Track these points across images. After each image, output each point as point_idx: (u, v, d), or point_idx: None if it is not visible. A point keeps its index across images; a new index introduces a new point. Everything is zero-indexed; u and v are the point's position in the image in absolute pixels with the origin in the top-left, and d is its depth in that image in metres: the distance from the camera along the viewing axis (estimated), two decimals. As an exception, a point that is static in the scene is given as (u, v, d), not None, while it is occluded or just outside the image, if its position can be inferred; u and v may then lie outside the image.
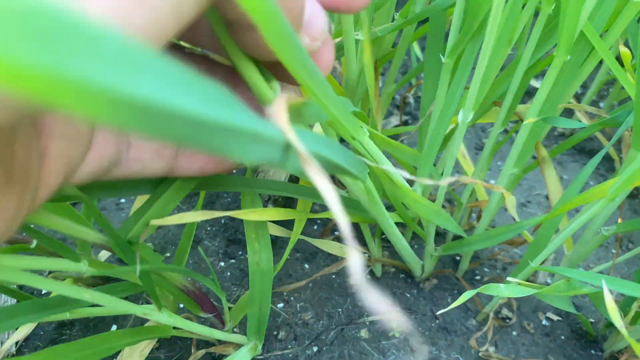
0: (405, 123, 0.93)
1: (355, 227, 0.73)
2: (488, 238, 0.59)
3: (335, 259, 0.72)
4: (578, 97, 0.98)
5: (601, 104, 0.99)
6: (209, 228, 0.75)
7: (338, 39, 0.55)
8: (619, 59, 0.76)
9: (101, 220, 0.36)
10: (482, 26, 0.45)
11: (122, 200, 0.78)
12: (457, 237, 0.66)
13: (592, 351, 0.65)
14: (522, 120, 0.59)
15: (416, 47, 0.82)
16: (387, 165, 0.36)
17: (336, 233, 0.74)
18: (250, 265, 0.52)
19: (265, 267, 0.52)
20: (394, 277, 0.71)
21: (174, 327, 0.55)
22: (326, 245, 0.66)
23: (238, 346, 0.59)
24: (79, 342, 0.41)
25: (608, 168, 0.89)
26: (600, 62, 0.88)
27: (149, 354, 0.59)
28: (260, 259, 0.52)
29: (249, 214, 0.48)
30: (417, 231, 0.59)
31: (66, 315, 0.44)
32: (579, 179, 0.56)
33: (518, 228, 0.56)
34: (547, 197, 0.84)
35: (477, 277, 0.72)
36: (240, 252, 0.72)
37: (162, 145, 0.32)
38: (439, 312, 0.58)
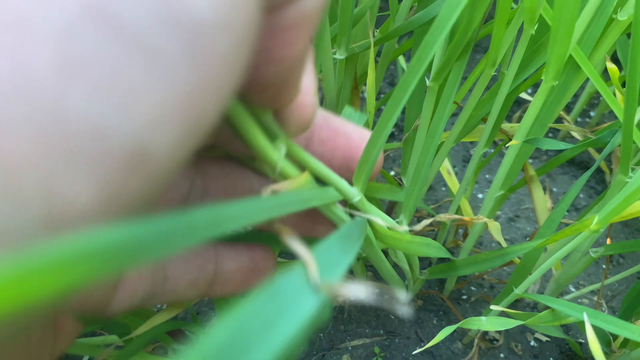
0: (391, 135, 0.91)
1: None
2: (475, 263, 0.57)
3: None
4: (569, 106, 0.96)
5: (592, 113, 0.97)
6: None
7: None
8: (606, 71, 0.74)
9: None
10: (469, 47, 0.43)
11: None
12: (442, 260, 0.64)
13: (582, 374, 0.64)
14: (509, 139, 0.57)
15: (402, 60, 0.80)
16: (377, 218, 0.34)
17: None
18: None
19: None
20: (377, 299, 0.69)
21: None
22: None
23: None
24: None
25: (599, 180, 0.87)
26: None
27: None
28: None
29: None
30: (399, 264, 0.57)
31: None
32: (567, 198, 0.53)
33: (505, 255, 0.54)
34: (534, 211, 0.82)
35: (464, 297, 0.70)
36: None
37: (197, 276, 0.30)
38: (425, 346, 0.56)
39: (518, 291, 0.52)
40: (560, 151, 0.61)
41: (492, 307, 0.48)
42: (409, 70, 0.28)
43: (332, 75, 0.52)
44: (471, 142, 0.93)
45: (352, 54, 0.51)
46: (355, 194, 0.32)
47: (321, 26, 0.46)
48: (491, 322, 0.45)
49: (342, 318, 0.66)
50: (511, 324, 0.46)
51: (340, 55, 0.50)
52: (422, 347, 0.64)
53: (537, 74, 0.53)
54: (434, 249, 0.50)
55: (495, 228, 0.52)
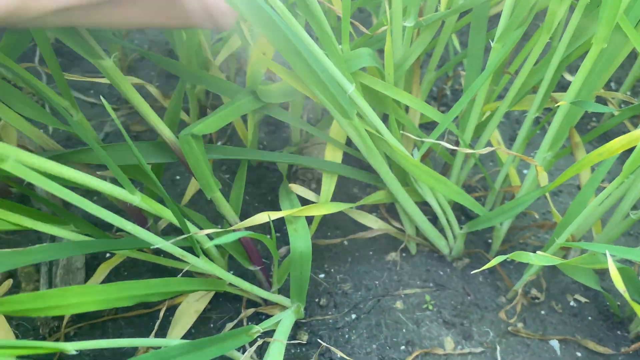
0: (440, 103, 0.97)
1: (392, 207, 0.78)
2: (503, 212, 0.63)
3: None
4: (619, 82, 1.00)
5: (635, 101, 1.01)
6: (256, 205, 0.80)
7: (384, 28, 0.59)
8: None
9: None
10: (532, 10, 0.49)
11: (177, 177, 0.83)
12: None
13: (618, 332, 0.68)
14: (557, 105, 0.63)
15: (455, 40, 0.86)
16: (375, 119, 0.42)
17: (374, 214, 0.78)
18: (289, 232, 0.58)
19: (302, 233, 0.57)
20: (428, 255, 0.75)
21: (227, 285, 0.60)
22: (363, 217, 0.70)
23: (283, 308, 0.64)
24: (145, 282, 0.46)
25: None
26: (635, 57, 0.91)
27: (201, 313, 0.64)
28: (297, 227, 0.58)
29: (319, 209, 0.57)
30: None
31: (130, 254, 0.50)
32: (606, 163, 0.59)
33: (529, 200, 0.60)
34: (578, 187, 0.87)
35: (508, 259, 0.76)
36: (284, 227, 0.77)
37: None
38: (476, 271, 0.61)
39: (559, 240, 0.58)
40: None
41: (538, 252, 0.53)
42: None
43: (400, 43, 0.58)
44: (517, 123, 0.98)
45: (419, 26, 0.58)
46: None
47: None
48: (538, 258, 0.51)
49: (395, 270, 0.72)
50: (556, 261, 0.51)
51: (408, 24, 0.56)
52: (469, 300, 0.69)
53: (587, 44, 0.58)
54: (440, 183, 0.58)
55: (543, 178, 0.57)
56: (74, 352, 0.32)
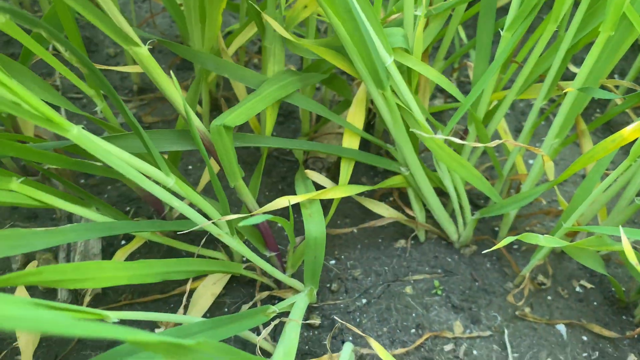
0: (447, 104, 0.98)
1: (405, 195, 0.79)
2: (518, 200, 0.65)
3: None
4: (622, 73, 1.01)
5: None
6: (267, 193, 0.81)
7: (396, 15, 0.60)
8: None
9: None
10: (540, 2, 0.51)
11: (190, 167, 0.85)
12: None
13: (624, 317, 0.70)
14: (564, 94, 0.64)
15: (462, 32, 0.87)
16: (407, 93, 0.45)
17: (386, 201, 0.79)
18: (304, 217, 0.60)
19: (317, 218, 0.59)
20: (436, 243, 0.77)
21: (241, 275, 0.62)
22: (374, 205, 0.72)
23: (295, 292, 0.65)
24: (170, 260, 0.48)
25: None
26: (639, 50, 0.92)
27: (216, 298, 0.66)
28: (312, 212, 0.60)
29: (336, 192, 0.59)
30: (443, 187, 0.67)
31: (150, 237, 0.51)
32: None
33: (541, 189, 0.61)
34: (583, 177, 0.88)
35: (515, 246, 0.77)
36: (295, 215, 0.79)
37: None
38: (490, 248, 0.63)
39: (567, 224, 0.59)
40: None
41: (546, 236, 0.55)
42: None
43: (412, 31, 0.60)
44: (522, 114, 0.99)
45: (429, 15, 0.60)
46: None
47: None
48: (547, 240, 0.52)
49: (404, 257, 0.74)
50: (563, 243, 0.53)
51: (418, 12, 0.58)
52: (477, 285, 0.71)
53: (593, 34, 0.60)
54: (464, 169, 0.60)
55: (550, 167, 0.59)
56: (115, 320, 0.34)
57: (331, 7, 0.45)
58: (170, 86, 0.48)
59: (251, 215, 0.55)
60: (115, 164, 0.37)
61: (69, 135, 0.33)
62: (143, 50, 0.44)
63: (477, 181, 0.63)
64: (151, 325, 0.62)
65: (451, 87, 0.60)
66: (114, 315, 0.34)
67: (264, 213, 0.54)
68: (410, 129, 0.59)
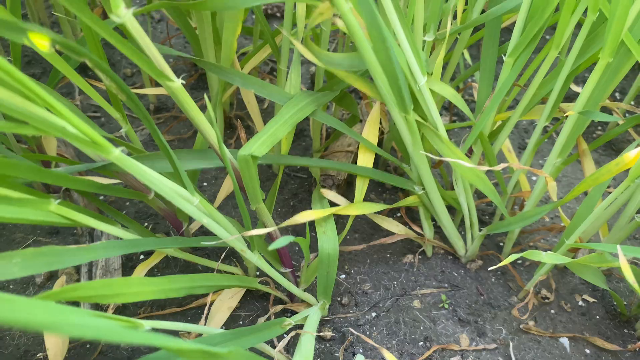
0: (453, 123, 1.01)
1: (411, 210, 0.82)
2: (524, 218, 0.67)
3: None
4: (623, 92, 1.04)
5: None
6: (279, 210, 0.84)
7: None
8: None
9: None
10: (542, 30, 0.54)
11: (205, 184, 0.88)
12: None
13: (625, 330, 0.72)
14: (565, 116, 0.67)
15: (466, 54, 0.91)
16: (435, 114, 0.47)
17: (393, 217, 0.82)
18: (318, 234, 0.62)
19: (331, 235, 0.62)
20: (443, 258, 0.79)
21: (257, 289, 0.65)
22: (384, 222, 0.75)
23: (308, 306, 0.68)
24: (192, 275, 0.51)
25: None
26: (638, 69, 0.95)
27: (232, 312, 0.69)
28: (326, 229, 0.63)
29: (353, 209, 0.62)
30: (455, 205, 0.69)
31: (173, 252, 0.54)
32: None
33: (548, 208, 0.64)
34: (585, 194, 0.91)
35: (519, 261, 0.80)
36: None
37: None
38: (493, 267, 0.65)
39: (569, 241, 0.62)
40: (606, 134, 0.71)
41: (549, 252, 0.58)
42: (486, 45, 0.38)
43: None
44: (526, 132, 1.02)
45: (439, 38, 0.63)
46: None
47: (415, 13, 0.58)
48: (550, 257, 0.55)
49: (412, 271, 0.76)
50: (565, 260, 0.55)
51: (429, 38, 0.61)
52: (482, 299, 0.73)
53: (592, 58, 0.63)
54: (481, 181, 0.62)
55: (552, 187, 0.61)
56: (148, 328, 0.36)
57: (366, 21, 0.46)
58: (202, 119, 0.50)
59: (267, 232, 0.58)
60: (152, 183, 0.40)
61: (111, 157, 0.36)
62: (176, 85, 0.46)
63: (494, 195, 0.66)
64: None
65: (465, 108, 0.63)
66: (148, 324, 0.36)
67: (284, 235, 0.57)
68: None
